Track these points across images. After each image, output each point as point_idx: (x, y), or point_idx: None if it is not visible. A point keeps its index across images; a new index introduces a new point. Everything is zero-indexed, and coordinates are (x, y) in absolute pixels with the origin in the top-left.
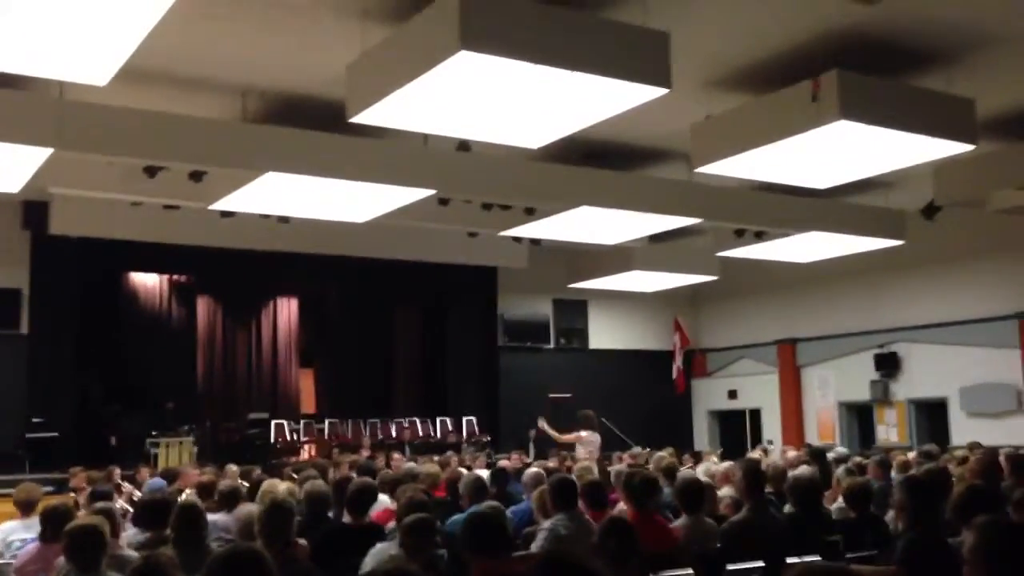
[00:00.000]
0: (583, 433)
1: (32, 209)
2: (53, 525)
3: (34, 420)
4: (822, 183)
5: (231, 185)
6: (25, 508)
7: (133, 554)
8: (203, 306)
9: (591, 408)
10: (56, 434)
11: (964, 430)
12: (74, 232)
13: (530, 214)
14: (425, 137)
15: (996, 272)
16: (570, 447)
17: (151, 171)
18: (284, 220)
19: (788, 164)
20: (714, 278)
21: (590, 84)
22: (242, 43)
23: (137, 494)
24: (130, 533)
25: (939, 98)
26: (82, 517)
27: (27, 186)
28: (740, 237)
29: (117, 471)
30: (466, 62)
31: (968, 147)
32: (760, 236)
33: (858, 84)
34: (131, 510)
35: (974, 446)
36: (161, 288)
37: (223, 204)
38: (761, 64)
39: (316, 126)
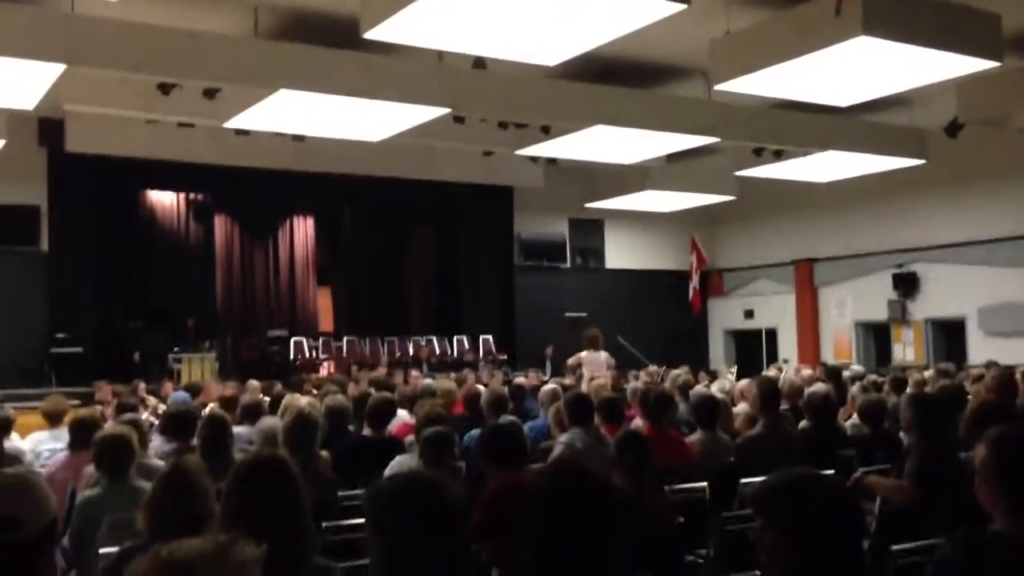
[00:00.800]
0: (583, 354)
1: (48, 126)
2: (81, 435)
3: (57, 335)
4: (843, 101)
5: (245, 103)
6: (53, 419)
7: (161, 463)
8: (220, 224)
9: (609, 327)
10: (80, 349)
11: (981, 350)
12: (90, 150)
13: (546, 133)
14: (440, 54)
15: (1017, 191)
16: (573, 369)
17: (165, 88)
18: (299, 139)
19: (809, 81)
20: (732, 198)
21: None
22: None
23: (162, 407)
24: (157, 443)
25: (963, 13)
26: (110, 427)
27: (42, 103)
28: (758, 156)
29: (142, 385)
30: None
31: (993, 64)
32: (779, 155)
33: None
34: (156, 423)
35: (991, 365)
36: (178, 206)
37: (237, 122)
38: None
39: (329, 43)
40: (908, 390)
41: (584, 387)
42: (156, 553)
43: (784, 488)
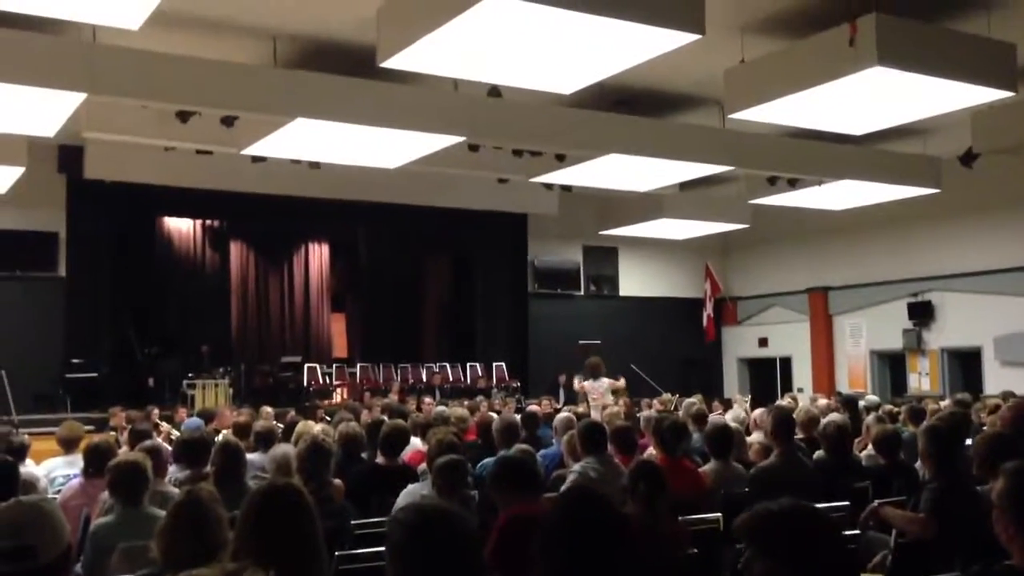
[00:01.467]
0: (586, 384)
1: (68, 153)
2: (96, 461)
3: (73, 361)
4: (858, 129)
5: (262, 130)
6: (68, 445)
7: (175, 490)
8: (236, 251)
9: (622, 355)
10: (95, 375)
11: (998, 379)
12: (109, 176)
13: (561, 160)
14: (455, 83)
15: None
16: (583, 398)
17: (183, 116)
18: (315, 166)
19: (823, 110)
20: (745, 226)
21: (623, 29)
22: None
23: (175, 434)
24: (172, 470)
25: (979, 43)
26: (125, 453)
27: (62, 130)
28: (773, 185)
29: (155, 411)
30: (497, 6)
31: (1008, 93)
32: (793, 184)
33: (896, 28)
34: (169, 449)
35: (1007, 395)
36: (194, 233)
37: (254, 149)
38: (797, 7)
39: (346, 71)
40: (925, 421)
41: (595, 415)
42: None
43: (772, 516)
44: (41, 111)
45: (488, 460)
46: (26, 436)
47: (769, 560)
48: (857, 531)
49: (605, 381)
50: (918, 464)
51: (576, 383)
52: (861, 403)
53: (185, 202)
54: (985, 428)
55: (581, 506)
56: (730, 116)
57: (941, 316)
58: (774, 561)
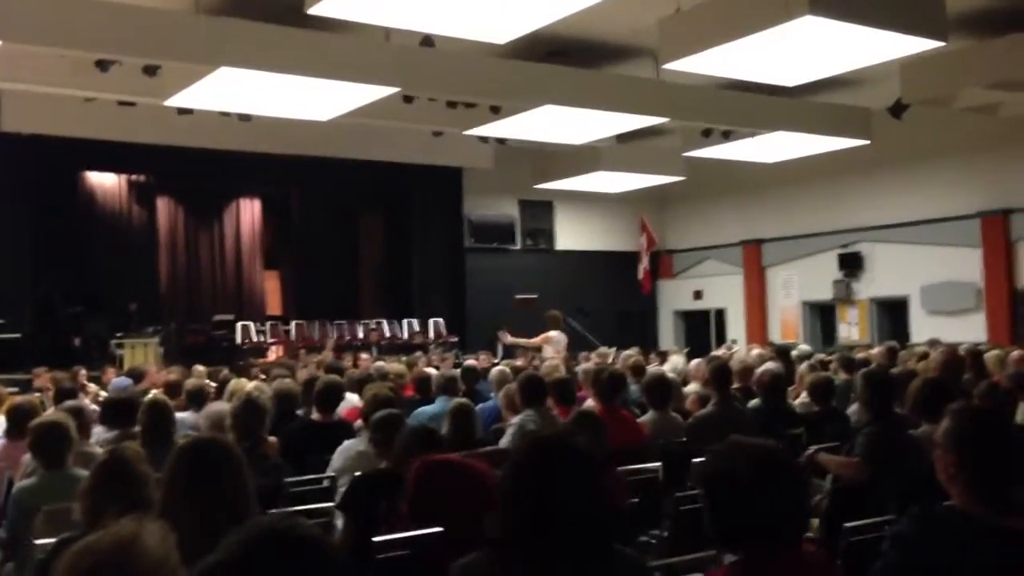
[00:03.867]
0: (552, 333)
1: None
2: (19, 422)
3: None
4: (790, 81)
5: (186, 80)
6: None
7: (100, 451)
8: (163, 207)
9: (559, 308)
10: (18, 335)
11: (924, 328)
12: (26, 129)
13: (495, 113)
14: (387, 32)
15: (960, 171)
16: (538, 349)
17: (103, 65)
18: (245, 118)
19: (756, 61)
20: (681, 179)
21: None
22: None
23: (103, 395)
24: (97, 431)
25: None
26: (48, 414)
27: None
28: (707, 137)
29: (82, 372)
30: None
31: (938, 44)
32: (727, 136)
33: None
34: (95, 409)
35: (934, 343)
36: (120, 188)
37: (178, 100)
38: None
39: (273, 19)
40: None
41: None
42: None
43: (727, 456)
44: None
45: (424, 409)
46: None
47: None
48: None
49: (565, 336)
50: (850, 410)
51: (541, 336)
52: (793, 353)
53: (109, 156)
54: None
55: (550, 447)
56: (664, 67)
57: (870, 267)
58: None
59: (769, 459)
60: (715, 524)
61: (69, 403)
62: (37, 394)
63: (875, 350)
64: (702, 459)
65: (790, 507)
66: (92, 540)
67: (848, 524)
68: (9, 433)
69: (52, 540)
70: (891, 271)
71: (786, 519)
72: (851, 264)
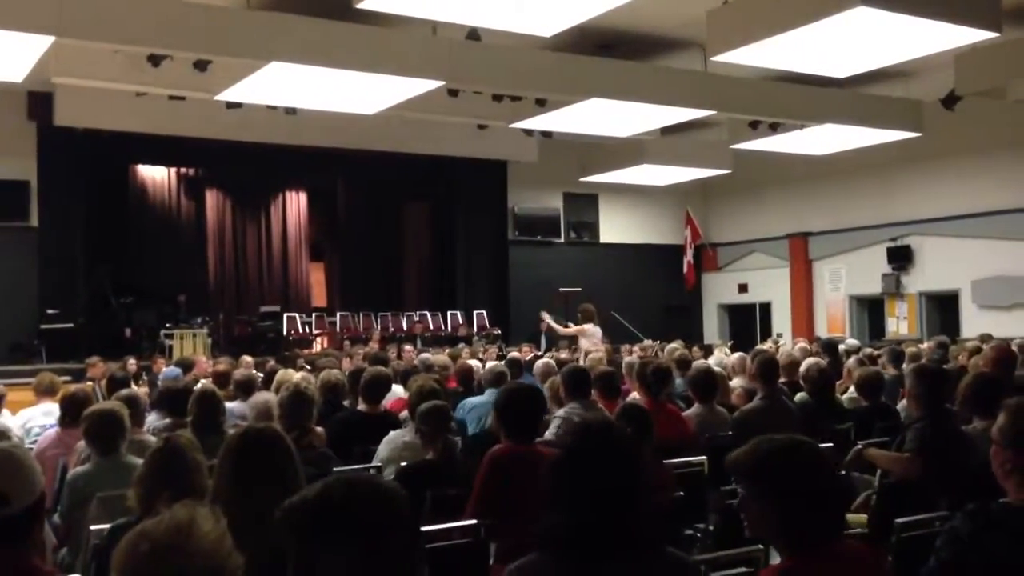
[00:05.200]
0: (587, 326)
1: (37, 100)
2: (73, 411)
3: (48, 311)
4: (840, 72)
5: (237, 75)
6: (44, 395)
7: (153, 439)
8: (212, 200)
9: (603, 302)
10: (71, 325)
11: (975, 322)
12: (80, 123)
13: (541, 105)
14: (434, 26)
15: (1012, 164)
16: (573, 339)
17: (155, 60)
18: (291, 112)
19: (806, 53)
20: (727, 171)
21: None
22: None
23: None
24: (150, 419)
25: None
26: (102, 403)
27: (31, 76)
28: (754, 129)
29: (133, 362)
30: None
31: (991, 35)
32: (774, 128)
33: None
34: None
35: (985, 338)
36: (169, 181)
37: (228, 95)
38: None
39: (322, 13)
40: (906, 363)
41: (582, 361)
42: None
43: (764, 453)
44: (8, 56)
45: (469, 400)
46: (1, 385)
47: (764, 495)
48: (842, 472)
49: (599, 329)
50: (899, 406)
51: (576, 328)
52: (841, 347)
53: (159, 150)
54: (968, 370)
55: (602, 437)
56: (712, 59)
57: (920, 260)
58: (770, 496)
59: (819, 456)
60: (770, 523)
61: (124, 392)
62: (90, 383)
63: (925, 345)
64: (745, 451)
65: (839, 504)
66: (149, 525)
67: (900, 520)
68: (63, 421)
69: (107, 526)
70: (941, 265)
71: (837, 517)
72: (901, 257)
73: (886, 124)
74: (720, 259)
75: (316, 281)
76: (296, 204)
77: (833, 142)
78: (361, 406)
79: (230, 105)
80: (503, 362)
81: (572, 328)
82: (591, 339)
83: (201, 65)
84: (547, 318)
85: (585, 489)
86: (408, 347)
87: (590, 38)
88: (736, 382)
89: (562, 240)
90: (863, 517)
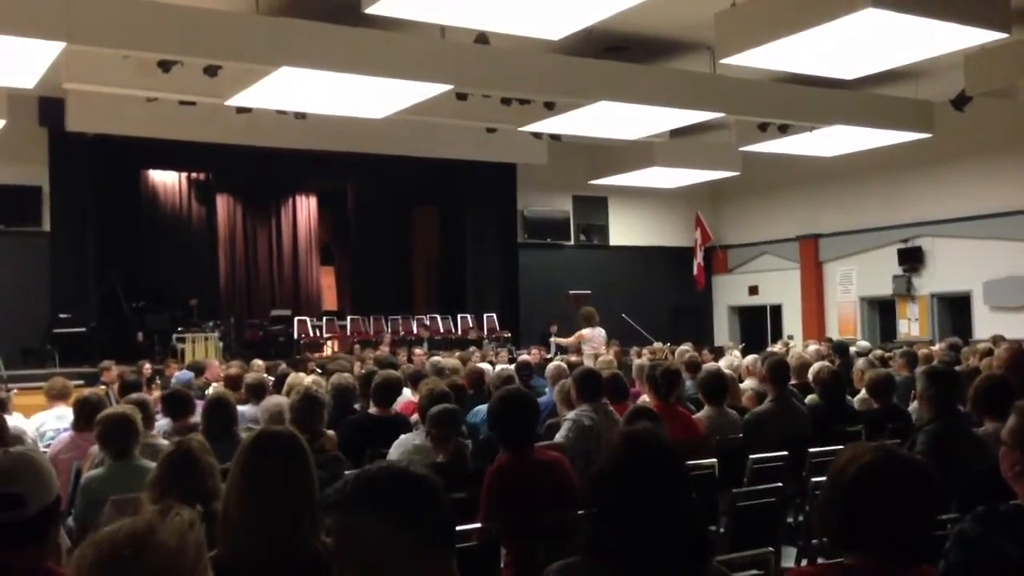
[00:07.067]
0: (584, 331)
1: (48, 105)
2: (86, 414)
3: (60, 316)
4: (849, 74)
5: (246, 80)
6: (57, 399)
7: (165, 442)
8: (222, 204)
9: (613, 304)
10: (83, 329)
11: (987, 324)
12: (91, 129)
13: (550, 109)
14: (442, 29)
15: (1023, 164)
16: (576, 349)
17: (165, 66)
18: (301, 116)
19: (815, 54)
20: (736, 173)
21: None
22: None
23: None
24: (161, 423)
25: None
26: (115, 407)
27: (42, 82)
28: (763, 131)
29: (147, 366)
30: None
31: (1001, 35)
32: (784, 130)
33: None
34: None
35: (997, 339)
36: (180, 186)
37: (238, 100)
38: None
39: (331, 18)
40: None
41: (590, 364)
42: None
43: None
44: (20, 62)
45: (481, 408)
46: (3, 391)
47: None
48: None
49: (601, 331)
50: (910, 408)
51: (575, 336)
52: (852, 349)
53: (170, 154)
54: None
55: (645, 445)
56: (721, 61)
57: (931, 262)
58: None
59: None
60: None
61: (134, 396)
62: (103, 387)
63: (937, 346)
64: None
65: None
66: (104, 533)
67: None
68: (77, 425)
69: None
70: (953, 266)
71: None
72: (912, 259)
73: (896, 125)
74: (730, 261)
75: (326, 284)
76: (306, 208)
77: (843, 143)
78: (372, 409)
79: (240, 110)
80: (512, 365)
81: (572, 338)
82: (591, 343)
83: (211, 70)
84: (555, 340)
85: (636, 500)
86: (419, 350)
87: (598, 41)
88: (747, 384)
89: (572, 243)
90: None
